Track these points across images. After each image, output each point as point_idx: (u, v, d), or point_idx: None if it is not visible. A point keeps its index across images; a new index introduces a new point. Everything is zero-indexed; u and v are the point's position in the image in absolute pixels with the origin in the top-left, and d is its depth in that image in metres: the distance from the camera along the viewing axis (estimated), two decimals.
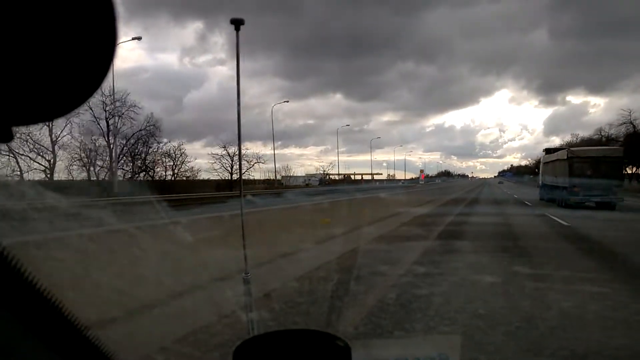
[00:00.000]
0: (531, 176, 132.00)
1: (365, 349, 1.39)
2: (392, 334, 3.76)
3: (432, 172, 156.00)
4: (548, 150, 29.57)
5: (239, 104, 3.16)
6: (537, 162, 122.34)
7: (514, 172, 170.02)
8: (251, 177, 49.79)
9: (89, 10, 0.46)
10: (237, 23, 3.20)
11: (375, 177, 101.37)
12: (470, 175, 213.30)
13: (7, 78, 0.46)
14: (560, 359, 3.27)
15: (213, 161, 44.84)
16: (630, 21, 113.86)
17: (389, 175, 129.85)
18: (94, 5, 0.46)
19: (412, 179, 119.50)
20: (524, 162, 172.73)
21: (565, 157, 20.73)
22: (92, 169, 33.24)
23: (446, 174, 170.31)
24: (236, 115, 3.17)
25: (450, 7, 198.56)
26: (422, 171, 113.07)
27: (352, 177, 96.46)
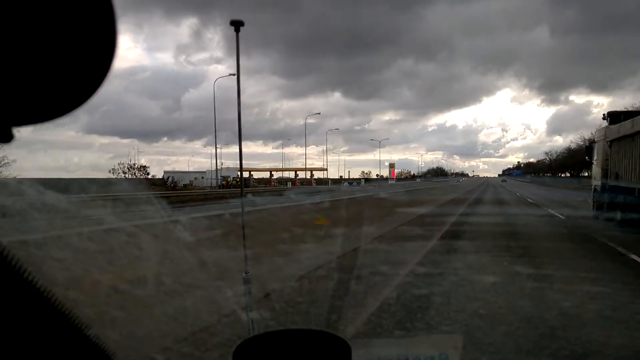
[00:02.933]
0: (548, 174, 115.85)
1: (365, 348, 1.39)
2: (393, 333, 3.76)
3: (424, 171, 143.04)
4: (616, 117, 13.36)
5: (239, 104, 3.17)
6: (559, 157, 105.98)
7: (524, 170, 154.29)
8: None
9: (89, 10, 0.46)
10: (237, 24, 3.20)
11: (318, 174, 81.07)
12: (471, 174, 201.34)
13: (7, 78, 0.46)
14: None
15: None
16: (633, 17, 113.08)
17: (363, 172, 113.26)
18: (94, 5, 0.46)
19: (381, 177, 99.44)
20: (531, 159, 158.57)
21: None
22: None
23: (438, 173, 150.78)
24: (236, 115, 3.18)
25: (450, 3, 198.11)
26: (392, 166, 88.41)
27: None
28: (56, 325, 0.65)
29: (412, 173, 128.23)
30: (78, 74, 0.49)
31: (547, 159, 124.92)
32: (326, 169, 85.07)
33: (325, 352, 0.98)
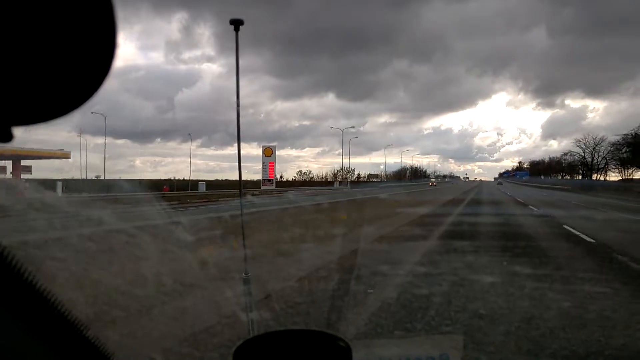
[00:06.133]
0: (565, 177, 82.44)
1: (366, 348, 1.39)
2: (393, 333, 3.75)
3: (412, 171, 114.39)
4: None
5: (238, 105, 3.16)
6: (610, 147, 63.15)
7: (530, 172, 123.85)
8: None
9: (89, 10, 0.46)
10: (236, 23, 3.18)
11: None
12: (463, 177, 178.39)
13: (7, 78, 0.46)
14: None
15: None
16: (629, 20, 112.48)
17: (299, 172, 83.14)
18: (94, 6, 0.46)
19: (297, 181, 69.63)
20: (532, 160, 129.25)
21: None
22: None
23: (401, 175, 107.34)
24: (235, 115, 3.17)
25: (446, 2, 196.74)
26: (268, 153, 54.35)
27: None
28: (55, 325, 0.65)
29: (359, 174, 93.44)
30: (78, 74, 0.49)
31: (581, 151, 78.18)
32: (68, 156, 43.29)
33: (325, 352, 0.97)
